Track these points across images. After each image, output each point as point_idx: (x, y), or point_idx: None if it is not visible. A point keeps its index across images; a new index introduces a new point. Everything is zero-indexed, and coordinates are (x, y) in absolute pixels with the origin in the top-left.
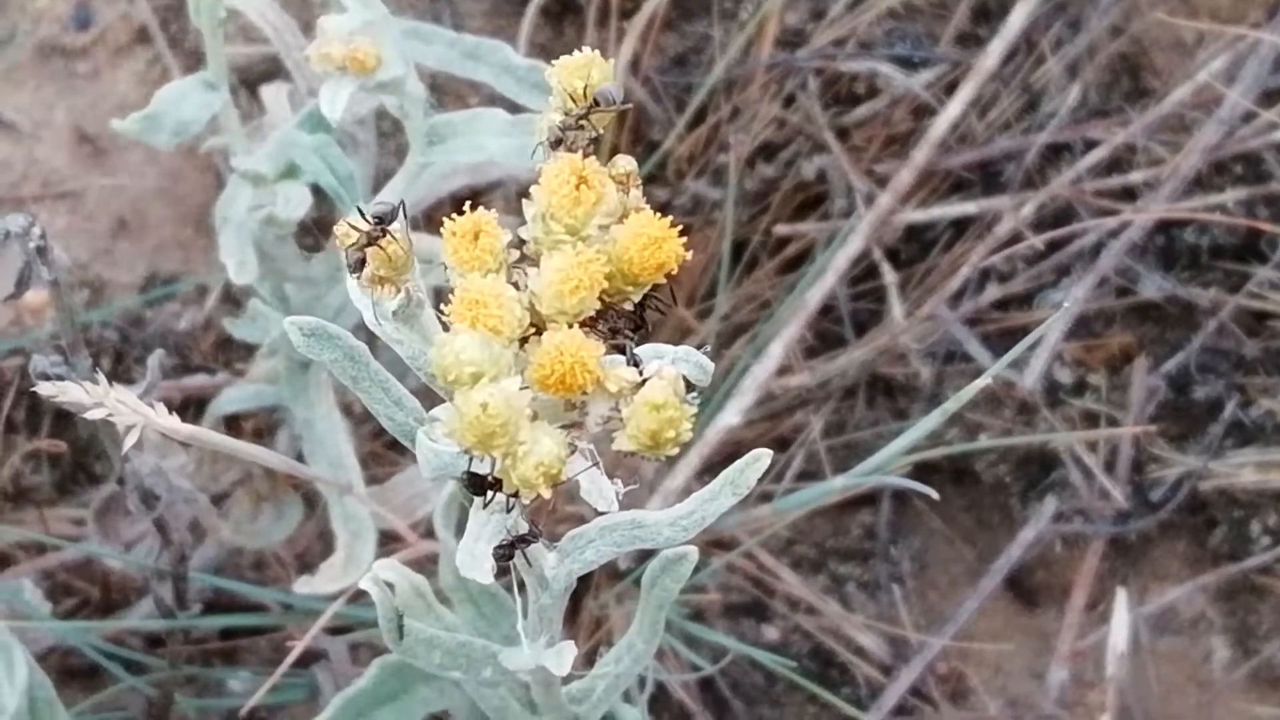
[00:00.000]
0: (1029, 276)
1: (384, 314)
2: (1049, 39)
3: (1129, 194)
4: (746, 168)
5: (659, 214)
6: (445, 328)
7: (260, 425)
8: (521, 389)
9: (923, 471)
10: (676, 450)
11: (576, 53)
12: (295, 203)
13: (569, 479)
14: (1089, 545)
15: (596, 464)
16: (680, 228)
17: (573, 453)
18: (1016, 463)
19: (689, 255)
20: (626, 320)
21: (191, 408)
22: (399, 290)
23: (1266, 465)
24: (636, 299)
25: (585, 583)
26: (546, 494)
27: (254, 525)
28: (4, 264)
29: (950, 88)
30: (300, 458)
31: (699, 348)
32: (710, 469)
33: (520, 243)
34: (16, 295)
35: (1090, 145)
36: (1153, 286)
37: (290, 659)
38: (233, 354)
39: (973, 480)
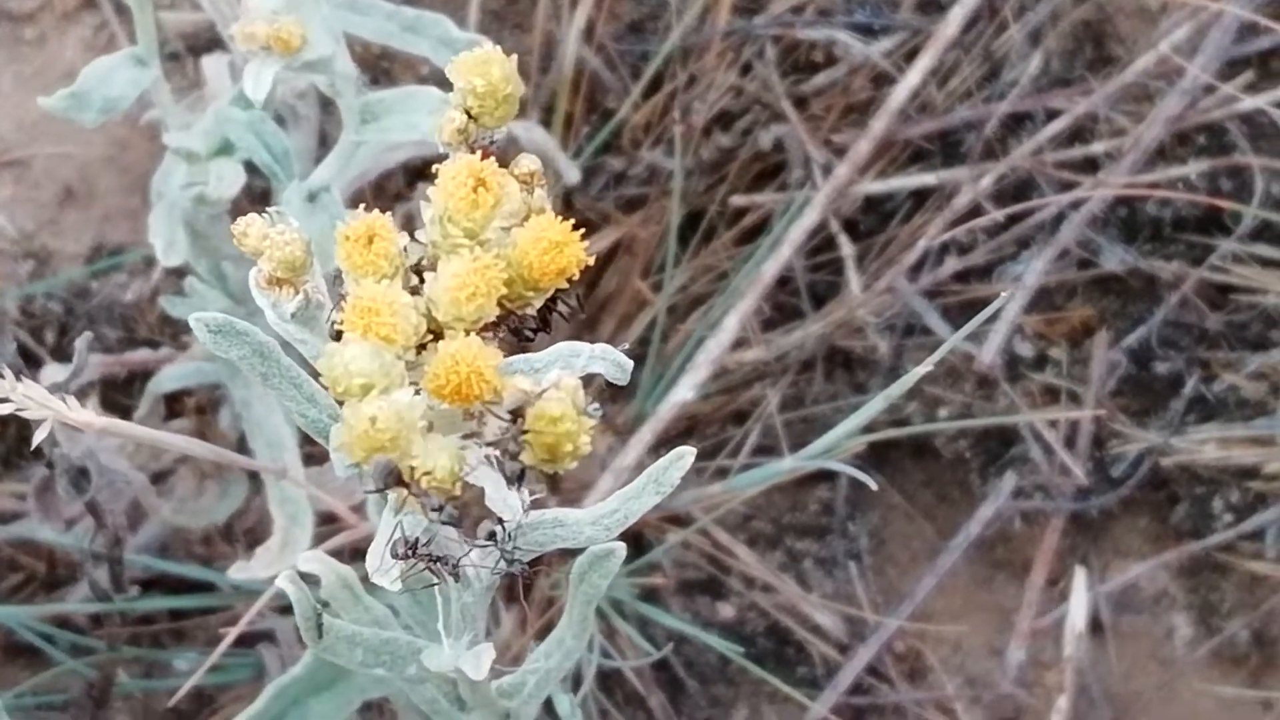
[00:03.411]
0: (989, 249)
1: (283, 315)
2: (1011, 5)
3: (1091, 165)
4: (703, 137)
5: (614, 183)
6: (339, 336)
7: (202, 402)
8: (416, 395)
9: (882, 447)
10: (575, 464)
11: (488, 49)
12: (228, 181)
13: (464, 494)
14: (1049, 522)
15: (504, 475)
16: (630, 200)
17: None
18: (976, 438)
19: (590, 260)
20: (527, 323)
21: (137, 381)
22: (297, 291)
23: (1229, 441)
24: (538, 304)
25: (536, 561)
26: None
27: (198, 503)
28: None
29: (910, 56)
30: (243, 435)
31: (652, 321)
32: (664, 443)
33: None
34: None
35: (1052, 115)
36: (1114, 259)
37: (227, 642)
38: (179, 327)
39: (932, 455)
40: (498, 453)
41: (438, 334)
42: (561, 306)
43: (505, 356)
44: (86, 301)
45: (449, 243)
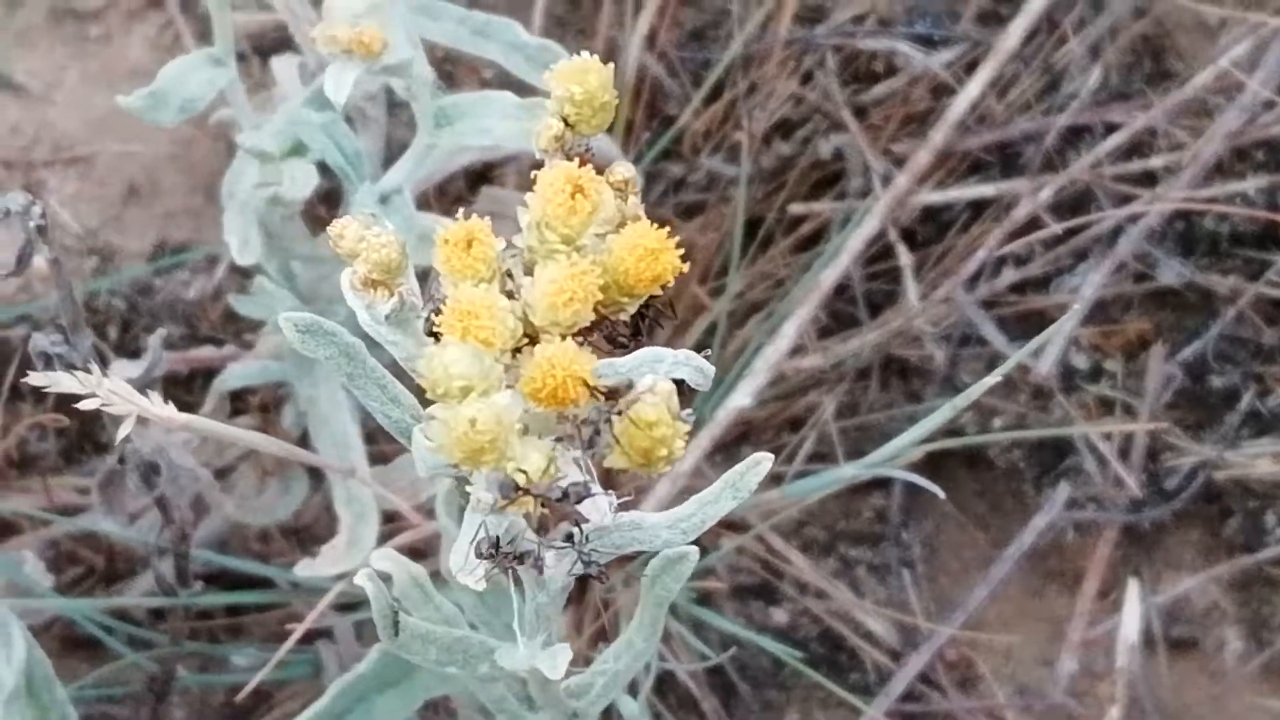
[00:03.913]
0: (1046, 260)
1: (377, 317)
2: (1071, 19)
3: (1149, 179)
4: (762, 145)
5: (674, 190)
6: (436, 337)
7: (266, 400)
8: (512, 401)
9: (936, 456)
10: (669, 468)
11: (580, 56)
12: (301, 181)
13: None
14: (1102, 533)
15: (591, 477)
16: (689, 206)
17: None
18: (1030, 449)
19: (685, 267)
20: (622, 330)
21: (199, 378)
22: (392, 294)
23: None
24: (632, 310)
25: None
26: (533, 510)
27: (259, 501)
28: (6, 240)
29: (970, 67)
30: (305, 434)
31: (711, 327)
32: (720, 449)
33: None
34: (17, 273)
35: (1110, 129)
36: (1171, 273)
37: (291, 640)
38: (241, 324)
39: (986, 465)
40: (588, 457)
41: (533, 338)
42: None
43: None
44: (150, 299)
45: (546, 248)
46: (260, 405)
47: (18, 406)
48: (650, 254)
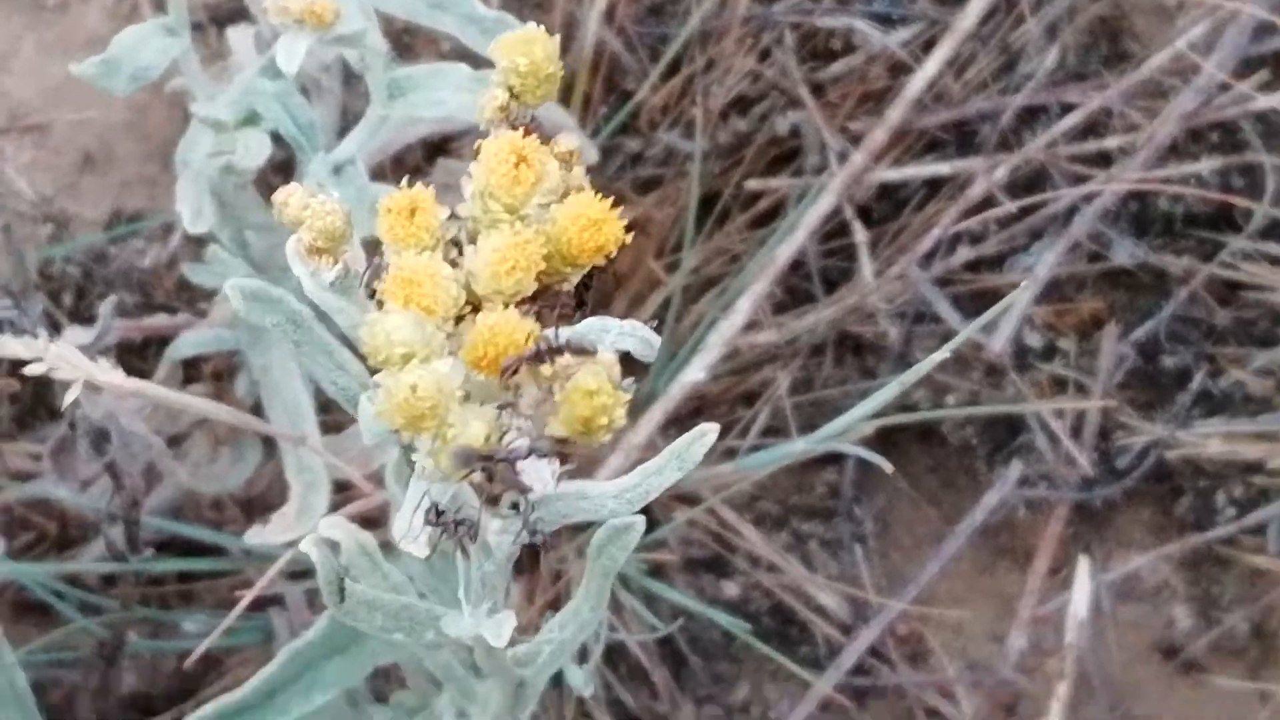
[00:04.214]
0: (1001, 239)
1: (321, 284)
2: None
3: (1104, 159)
4: (720, 121)
5: (631, 164)
6: (380, 305)
7: (220, 368)
8: (453, 368)
9: (889, 432)
10: (609, 437)
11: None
12: (254, 151)
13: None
14: (1053, 511)
15: (533, 442)
16: (646, 181)
17: (506, 431)
18: (983, 426)
19: (629, 238)
20: (564, 300)
21: (153, 346)
22: (336, 261)
23: (1233, 436)
24: (575, 280)
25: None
26: (475, 477)
27: (212, 468)
28: None
29: (927, 46)
30: (259, 403)
31: (666, 301)
32: (674, 423)
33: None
34: None
35: (1067, 109)
36: (1125, 253)
37: (241, 605)
38: (196, 293)
39: (939, 442)
40: (529, 423)
41: (476, 306)
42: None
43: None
44: (104, 266)
45: (489, 218)
46: (213, 373)
47: None
48: (593, 224)
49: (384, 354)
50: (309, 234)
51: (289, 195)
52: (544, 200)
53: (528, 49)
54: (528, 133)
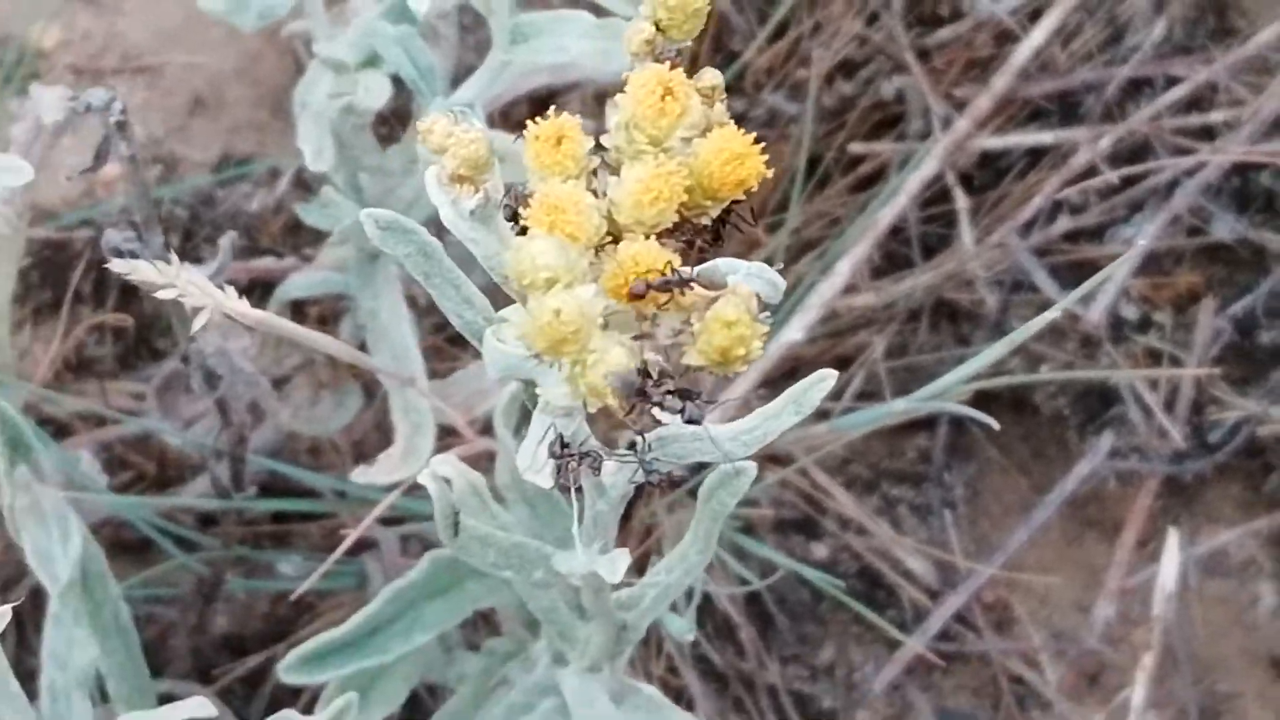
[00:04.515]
0: (1101, 210)
1: (461, 213)
2: None
3: (1207, 133)
4: (825, 84)
5: (737, 125)
6: (523, 231)
7: (325, 312)
8: (595, 296)
9: (982, 400)
10: (746, 368)
11: None
12: (375, 92)
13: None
14: (1143, 483)
15: (670, 375)
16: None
17: (645, 363)
18: (1076, 396)
19: (770, 173)
20: (703, 234)
21: (257, 290)
22: (477, 190)
23: None
24: (714, 214)
25: (638, 490)
26: (614, 404)
27: (313, 411)
28: (83, 137)
29: (1035, 15)
30: (363, 347)
31: (768, 262)
32: (769, 384)
33: (600, 148)
34: (93, 169)
35: (1172, 82)
36: (1225, 228)
37: (344, 546)
38: (300, 238)
39: (1031, 411)
40: (661, 357)
41: (617, 237)
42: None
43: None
44: (212, 209)
45: (633, 149)
46: (319, 317)
47: (78, 310)
48: (736, 158)
49: (529, 278)
50: (452, 161)
51: (433, 123)
52: (687, 134)
53: None
54: (673, 67)
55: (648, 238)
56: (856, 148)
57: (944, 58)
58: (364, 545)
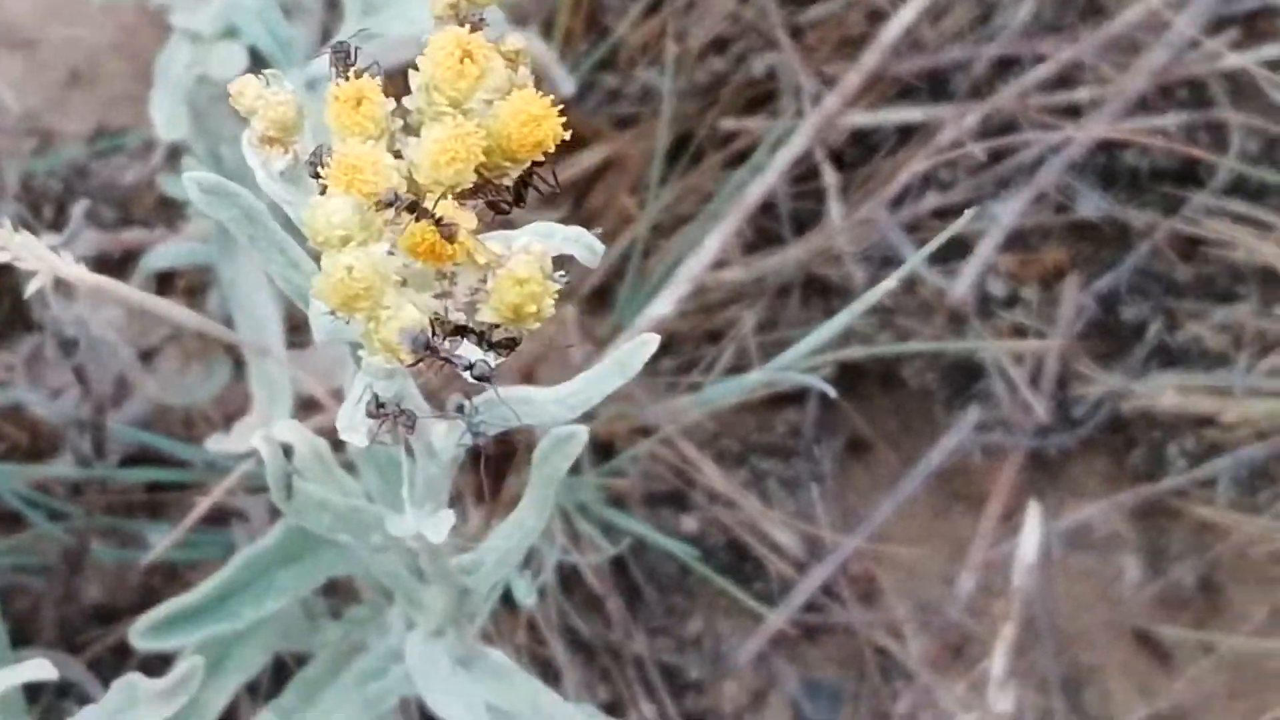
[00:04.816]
0: (969, 187)
1: (272, 173)
2: None
3: (1074, 112)
4: (697, 60)
5: (609, 101)
6: (324, 190)
7: (192, 284)
8: (391, 254)
9: (851, 374)
10: (538, 325)
11: None
12: (231, 63)
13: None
14: (1008, 457)
15: (472, 331)
16: (623, 118)
17: (441, 318)
18: (944, 372)
19: (568, 135)
20: (504, 195)
21: (131, 262)
22: (287, 151)
23: (1188, 389)
24: (515, 175)
25: (509, 461)
26: (407, 360)
27: (181, 382)
28: None
29: None
30: (230, 320)
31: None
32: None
33: (403, 111)
34: None
35: (1039, 60)
36: (1090, 205)
37: (196, 513)
38: (174, 212)
39: (900, 386)
40: (463, 312)
41: (418, 199)
42: (539, 185)
43: (483, 228)
44: (86, 181)
45: (433, 110)
46: (186, 289)
47: None
48: (533, 119)
49: (323, 236)
50: (261, 123)
51: (244, 85)
52: (488, 97)
53: None
54: (474, 29)
55: (446, 198)
56: (728, 124)
57: (816, 35)
58: (235, 515)
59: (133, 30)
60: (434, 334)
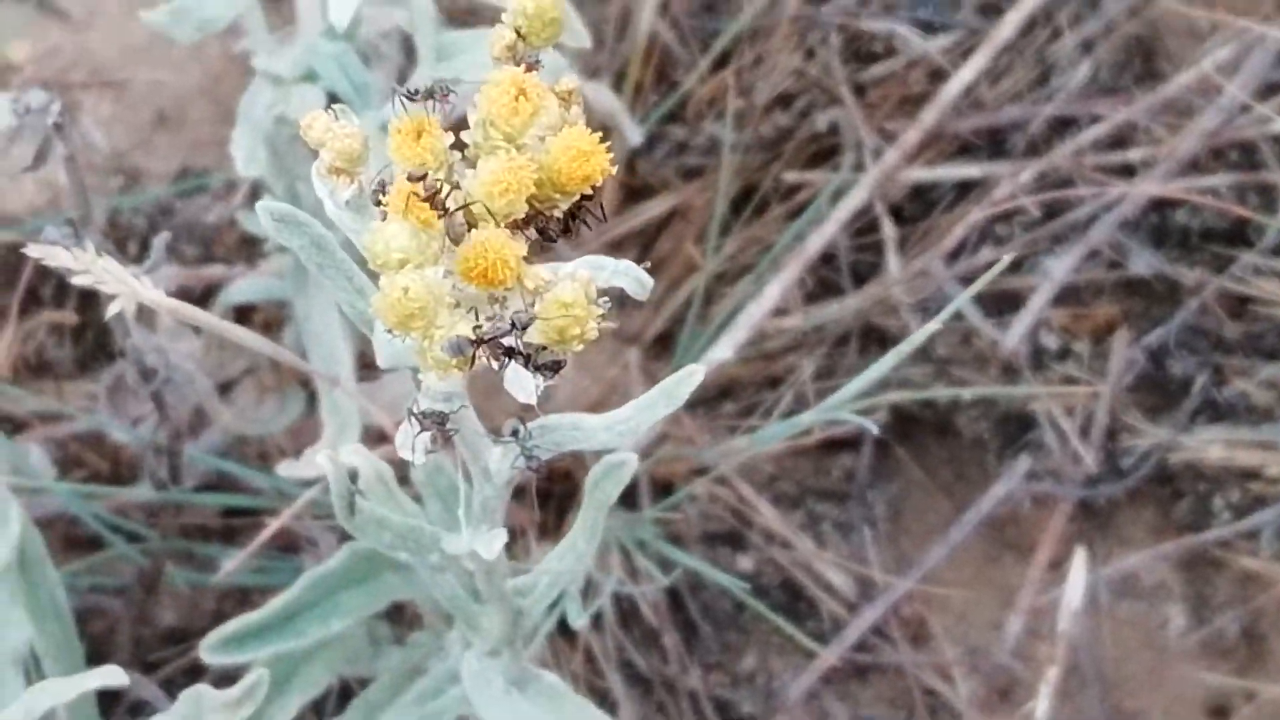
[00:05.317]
0: (1024, 242)
1: (339, 203)
2: (1067, 14)
3: (1127, 171)
4: (763, 114)
5: (676, 152)
6: (385, 217)
7: (269, 318)
8: (446, 277)
9: (907, 423)
10: (581, 347)
11: None
12: (308, 105)
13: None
14: (1058, 506)
15: (519, 353)
16: (690, 169)
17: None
18: (996, 421)
19: (614, 170)
20: (554, 225)
21: (211, 298)
22: (353, 181)
23: (1234, 443)
24: (564, 207)
25: (572, 498)
26: (460, 375)
27: (257, 413)
28: (28, 139)
29: (966, 54)
30: (304, 354)
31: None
32: (701, 403)
33: (462, 145)
34: (34, 168)
35: (1095, 120)
36: (1142, 263)
37: (265, 534)
38: (254, 250)
39: (953, 434)
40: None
41: (472, 226)
42: (588, 219)
43: (533, 258)
44: (170, 219)
45: (489, 144)
46: (264, 323)
47: (37, 314)
48: (582, 155)
49: (382, 259)
50: (329, 155)
51: (314, 119)
52: (541, 133)
53: None
54: (529, 69)
55: (499, 226)
56: (791, 176)
57: (878, 93)
58: (306, 542)
59: (218, 76)
60: (478, 349)
